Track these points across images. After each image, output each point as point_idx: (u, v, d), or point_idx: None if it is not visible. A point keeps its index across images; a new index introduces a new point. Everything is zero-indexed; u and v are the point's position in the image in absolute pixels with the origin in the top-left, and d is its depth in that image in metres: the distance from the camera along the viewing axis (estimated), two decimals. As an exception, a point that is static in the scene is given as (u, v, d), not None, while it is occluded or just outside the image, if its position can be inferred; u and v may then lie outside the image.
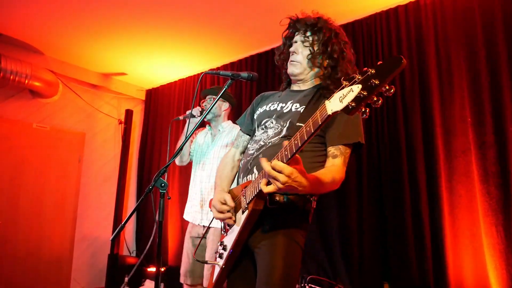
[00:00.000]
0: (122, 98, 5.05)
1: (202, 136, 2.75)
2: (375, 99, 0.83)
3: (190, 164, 2.79)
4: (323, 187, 1.23)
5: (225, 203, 1.44)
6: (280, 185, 1.06)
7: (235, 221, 1.42)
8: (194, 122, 2.57)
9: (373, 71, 0.82)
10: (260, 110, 1.62)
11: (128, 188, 4.97)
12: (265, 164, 1.08)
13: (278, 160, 1.09)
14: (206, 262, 1.59)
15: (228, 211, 1.43)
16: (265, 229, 1.37)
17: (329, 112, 0.92)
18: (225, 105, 2.68)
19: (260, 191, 1.22)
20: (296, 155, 1.06)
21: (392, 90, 0.82)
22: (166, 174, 1.69)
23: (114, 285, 4.01)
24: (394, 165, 2.78)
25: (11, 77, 3.69)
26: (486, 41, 2.52)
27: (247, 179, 1.45)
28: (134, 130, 5.13)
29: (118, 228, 1.60)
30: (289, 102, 1.51)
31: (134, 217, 4.93)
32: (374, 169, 2.89)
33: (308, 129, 1.01)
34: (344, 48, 1.49)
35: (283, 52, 1.63)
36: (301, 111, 1.43)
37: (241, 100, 3.99)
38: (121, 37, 3.75)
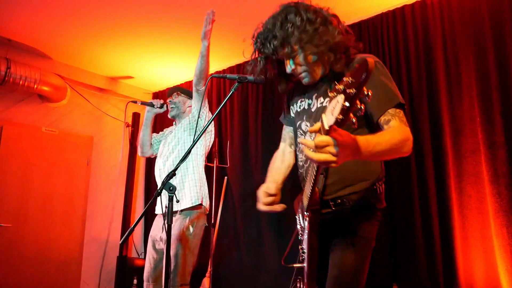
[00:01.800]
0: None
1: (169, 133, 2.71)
2: (359, 106, 0.80)
3: None
4: (383, 148, 1.10)
5: (269, 194, 1.37)
6: (333, 158, 0.93)
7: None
8: (153, 111, 2.66)
9: (350, 79, 0.80)
10: (292, 109, 1.55)
11: (136, 190, 4.99)
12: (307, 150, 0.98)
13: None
14: (293, 267, 1.50)
15: (271, 203, 1.37)
16: (335, 235, 1.37)
17: (326, 127, 0.88)
18: (189, 102, 2.64)
19: (311, 196, 1.22)
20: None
21: (370, 94, 0.79)
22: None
23: (123, 287, 4.03)
24: (402, 166, 2.76)
25: (20, 82, 3.73)
26: (494, 39, 2.49)
27: None
28: (142, 132, 5.15)
29: (127, 232, 1.61)
30: (314, 97, 1.42)
31: (142, 219, 4.95)
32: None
33: None
34: (323, 24, 1.29)
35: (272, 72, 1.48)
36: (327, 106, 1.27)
37: (248, 103, 3.99)
38: (128, 41, 3.78)
